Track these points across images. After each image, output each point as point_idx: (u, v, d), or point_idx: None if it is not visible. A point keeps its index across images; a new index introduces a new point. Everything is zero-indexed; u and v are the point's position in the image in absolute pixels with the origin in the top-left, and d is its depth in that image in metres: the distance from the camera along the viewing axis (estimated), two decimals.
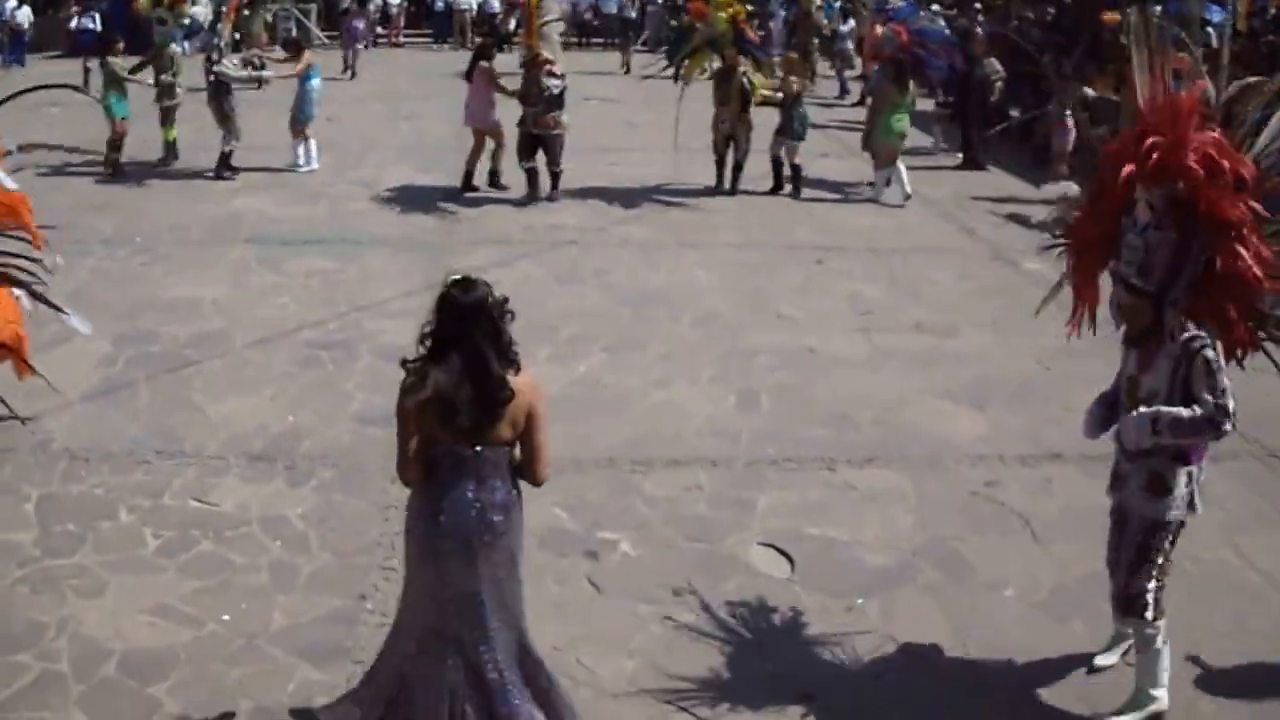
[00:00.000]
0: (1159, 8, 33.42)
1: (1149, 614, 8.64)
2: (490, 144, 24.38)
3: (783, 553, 11.18)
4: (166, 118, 25.30)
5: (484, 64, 24.42)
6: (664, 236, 21.42)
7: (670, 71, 25.59)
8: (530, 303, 16.15)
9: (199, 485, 11.95)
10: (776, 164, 24.55)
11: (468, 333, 7.47)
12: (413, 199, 23.40)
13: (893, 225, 23.23)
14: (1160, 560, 8.62)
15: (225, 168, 24.62)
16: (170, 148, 25.67)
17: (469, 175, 24.33)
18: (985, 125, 29.24)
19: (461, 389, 7.42)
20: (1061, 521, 11.92)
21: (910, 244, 21.81)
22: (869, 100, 28.87)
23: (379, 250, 19.79)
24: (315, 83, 24.90)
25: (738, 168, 25.17)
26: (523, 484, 7.86)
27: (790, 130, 24.53)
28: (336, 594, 10.20)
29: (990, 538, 11.67)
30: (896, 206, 24.93)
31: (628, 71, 44.47)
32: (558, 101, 22.91)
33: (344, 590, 10.24)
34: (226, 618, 9.82)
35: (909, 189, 25.32)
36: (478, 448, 7.60)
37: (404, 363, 7.65)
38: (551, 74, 22.84)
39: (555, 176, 23.44)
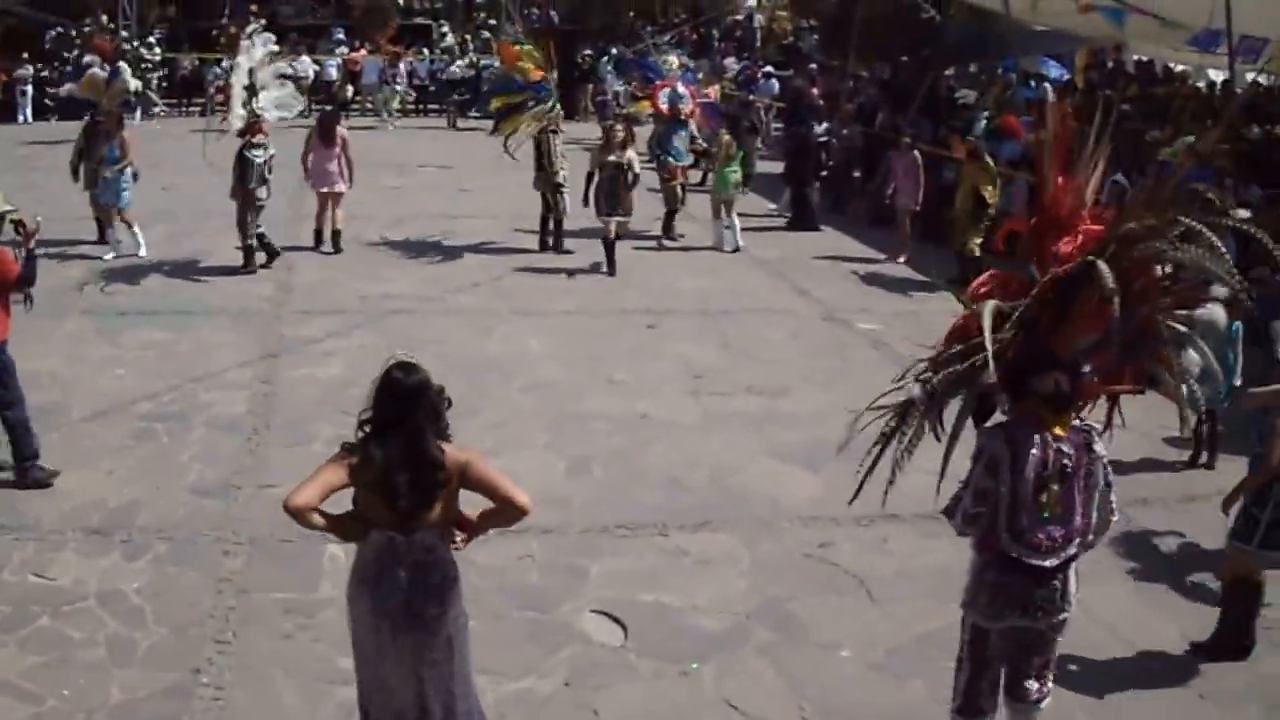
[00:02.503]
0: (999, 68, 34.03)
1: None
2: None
3: (616, 620, 11.08)
4: None
5: (340, 129, 24.77)
6: (497, 303, 21.26)
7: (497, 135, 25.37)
8: (365, 374, 15.94)
9: (38, 560, 11.74)
10: (609, 245, 23.69)
11: (409, 415, 7.60)
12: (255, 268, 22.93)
13: (725, 287, 23.17)
14: (960, 655, 8.68)
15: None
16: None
17: (319, 234, 24.54)
18: (824, 185, 29.53)
19: (402, 470, 7.50)
20: (898, 581, 11.92)
21: (743, 305, 21.78)
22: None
23: (215, 321, 19.48)
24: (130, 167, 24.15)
25: (558, 225, 25.20)
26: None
27: (616, 205, 23.63)
28: (172, 668, 10.05)
29: (825, 599, 11.62)
30: (731, 252, 25.56)
31: (454, 127, 45.16)
32: (257, 174, 22.04)
33: (179, 664, 10.10)
34: (66, 693, 9.67)
35: (740, 242, 25.83)
36: (414, 534, 7.68)
37: (345, 446, 7.71)
38: (252, 145, 22.01)
39: (266, 247, 22.86)
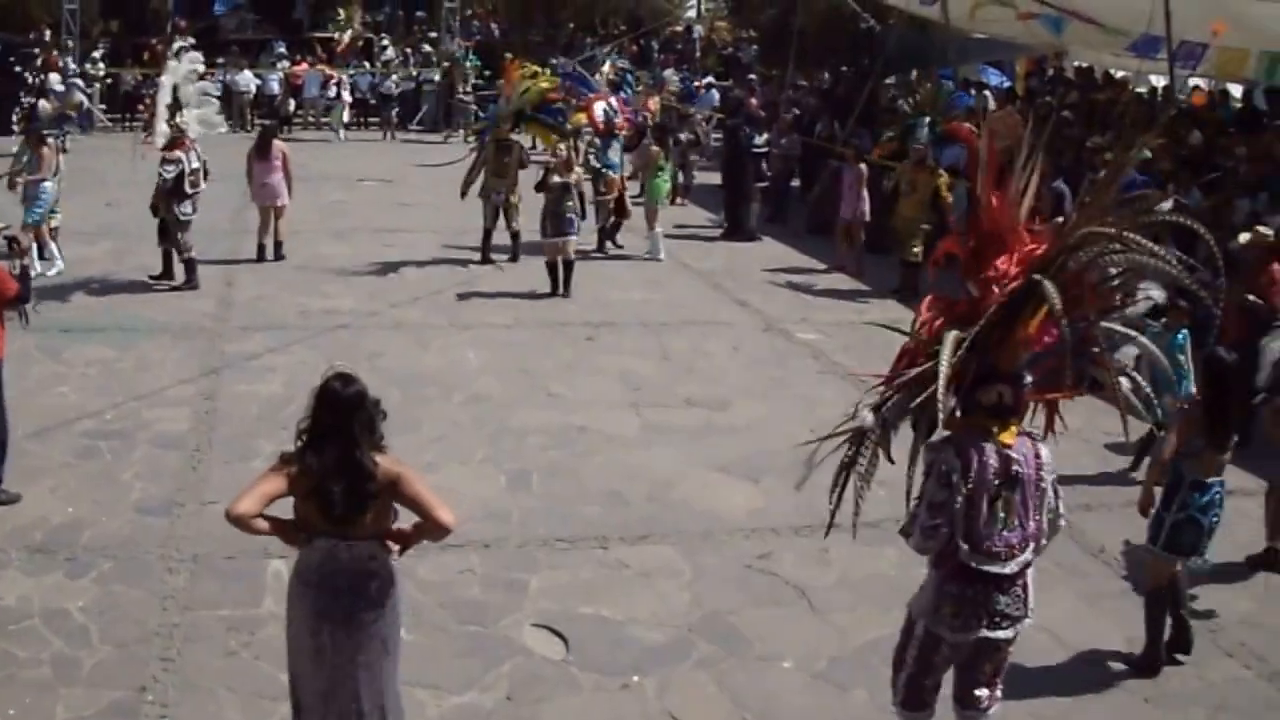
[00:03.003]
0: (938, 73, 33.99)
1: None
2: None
3: (557, 633, 11.09)
4: None
5: (278, 143, 24.86)
6: (436, 317, 21.20)
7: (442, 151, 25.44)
8: (304, 390, 15.90)
9: None
10: (552, 268, 23.18)
11: (345, 425, 7.69)
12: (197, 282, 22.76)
13: (664, 298, 23.21)
14: (903, 654, 8.72)
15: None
16: None
17: (261, 248, 24.56)
18: (763, 196, 29.55)
19: (337, 479, 7.60)
20: (839, 591, 11.98)
21: (682, 317, 21.80)
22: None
23: (158, 337, 19.32)
24: (49, 184, 23.72)
25: (515, 236, 25.19)
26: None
27: (561, 227, 22.93)
28: (118, 686, 10.01)
29: (767, 610, 11.66)
30: (655, 261, 25.68)
31: (390, 138, 45.00)
32: (175, 189, 21.75)
33: (125, 682, 10.06)
34: (12, 713, 9.65)
35: (662, 255, 26.19)
36: (350, 540, 7.79)
37: (284, 455, 7.82)
38: (166, 160, 21.71)
39: (188, 264, 22.47)
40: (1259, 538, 13.21)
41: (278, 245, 24.61)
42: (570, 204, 22.81)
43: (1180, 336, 14.58)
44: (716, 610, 11.57)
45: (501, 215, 25.09)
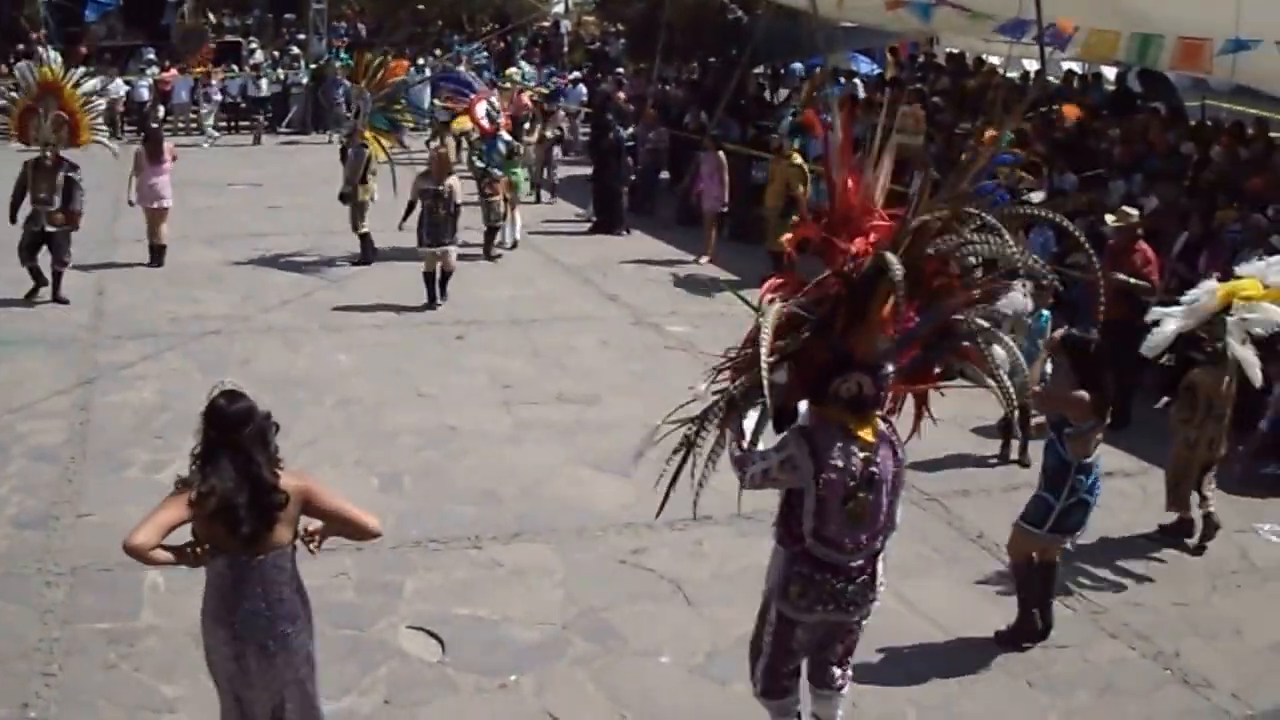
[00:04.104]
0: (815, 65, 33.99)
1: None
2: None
3: (433, 635, 11.03)
4: None
5: (169, 145, 25.10)
6: (307, 320, 21.02)
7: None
8: (177, 398, 15.85)
9: None
10: (429, 278, 22.42)
11: (237, 441, 7.60)
12: (67, 292, 22.26)
13: (534, 295, 23.15)
14: (761, 640, 8.70)
15: None
16: None
17: (153, 249, 24.63)
18: (632, 190, 29.52)
19: (240, 494, 7.51)
20: (714, 584, 11.99)
21: (552, 313, 21.79)
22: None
23: (32, 349, 18.99)
24: None
25: (363, 239, 25.23)
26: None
27: (436, 236, 22.23)
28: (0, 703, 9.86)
29: (642, 605, 11.66)
30: (510, 247, 25.97)
31: (258, 143, 44.41)
32: (70, 195, 21.56)
33: (7, 699, 9.90)
34: None
35: (519, 236, 26.51)
36: (260, 556, 7.68)
37: (181, 480, 7.69)
38: (71, 171, 21.61)
39: (57, 276, 21.98)
40: (1140, 519, 13.52)
41: (160, 249, 24.59)
42: (443, 212, 22.08)
43: (1043, 317, 14.70)
44: (591, 607, 11.54)
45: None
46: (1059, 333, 11.46)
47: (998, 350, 8.22)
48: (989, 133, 10.78)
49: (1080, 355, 10.89)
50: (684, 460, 8.02)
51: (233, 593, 7.72)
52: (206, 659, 8.03)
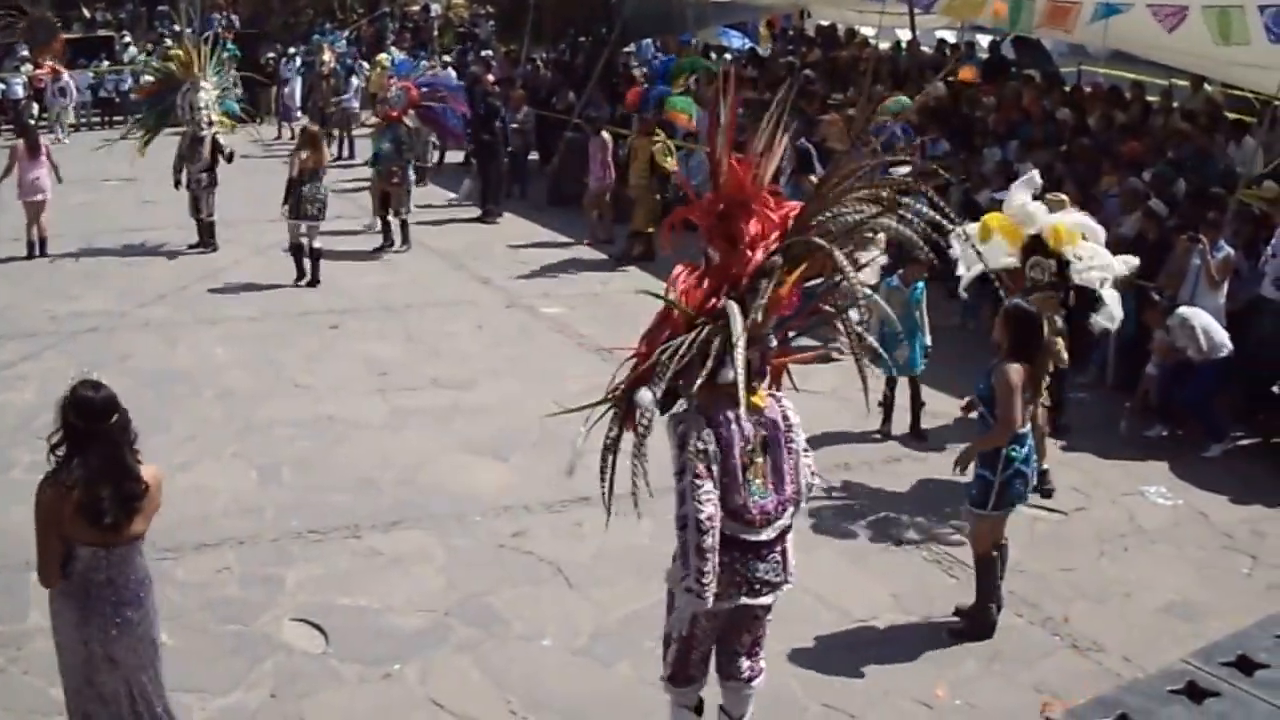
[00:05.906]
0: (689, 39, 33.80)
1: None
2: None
3: (316, 626, 10.87)
4: None
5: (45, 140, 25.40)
6: (183, 314, 20.65)
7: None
8: (57, 396, 15.45)
9: None
10: (297, 251, 22.44)
11: (102, 431, 7.56)
12: None
13: (406, 281, 22.90)
14: (670, 631, 8.49)
15: None
16: None
17: (32, 245, 24.33)
18: (507, 172, 29.24)
19: (103, 486, 7.45)
20: (595, 565, 11.89)
21: (425, 299, 21.53)
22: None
23: None
24: None
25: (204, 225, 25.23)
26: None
27: (304, 210, 22.15)
28: None
29: (523, 589, 11.55)
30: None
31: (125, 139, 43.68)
32: None
33: None
34: None
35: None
36: (113, 547, 7.64)
37: (46, 478, 7.64)
38: None
39: None
40: None
41: (42, 242, 24.35)
42: (308, 189, 22.01)
43: (918, 289, 14.69)
44: (473, 592, 11.43)
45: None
46: (1008, 303, 11.35)
47: (852, 314, 8.22)
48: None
49: (1020, 326, 10.83)
50: (613, 465, 8.08)
51: (84, 580, 7.69)
52: (56, 644, 7.98)
